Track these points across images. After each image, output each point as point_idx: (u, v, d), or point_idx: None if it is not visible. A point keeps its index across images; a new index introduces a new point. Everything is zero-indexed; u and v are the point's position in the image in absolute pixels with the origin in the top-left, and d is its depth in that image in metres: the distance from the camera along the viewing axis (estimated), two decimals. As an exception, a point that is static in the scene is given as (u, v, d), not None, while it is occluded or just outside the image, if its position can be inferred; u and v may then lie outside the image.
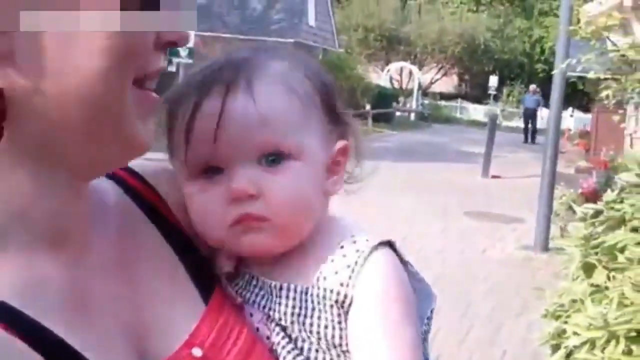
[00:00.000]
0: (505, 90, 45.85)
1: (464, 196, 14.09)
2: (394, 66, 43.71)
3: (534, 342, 4.36)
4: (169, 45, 0.80)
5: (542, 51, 49.31)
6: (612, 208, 3.80)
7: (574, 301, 3.65)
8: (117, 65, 0.72)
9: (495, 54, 49.50)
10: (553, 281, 7.45)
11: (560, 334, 3.67)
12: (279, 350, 0.96)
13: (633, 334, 3.13)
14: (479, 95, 47.21)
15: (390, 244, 1.00)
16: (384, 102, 34.39)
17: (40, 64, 0.69)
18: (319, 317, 0.95)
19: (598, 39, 6.40)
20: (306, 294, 0.96)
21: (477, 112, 45.02)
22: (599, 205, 3.89)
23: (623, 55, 6.03)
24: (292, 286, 0.97)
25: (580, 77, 16.73)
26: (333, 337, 0.95)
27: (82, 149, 0.76)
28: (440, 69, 48.50)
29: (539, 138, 28.01)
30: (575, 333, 3.36)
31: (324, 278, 0.95)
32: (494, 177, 17.45)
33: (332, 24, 38.29)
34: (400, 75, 45.24)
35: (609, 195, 3.88)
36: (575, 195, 8.86)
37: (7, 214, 0.74)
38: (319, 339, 0.95)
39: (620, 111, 9.15)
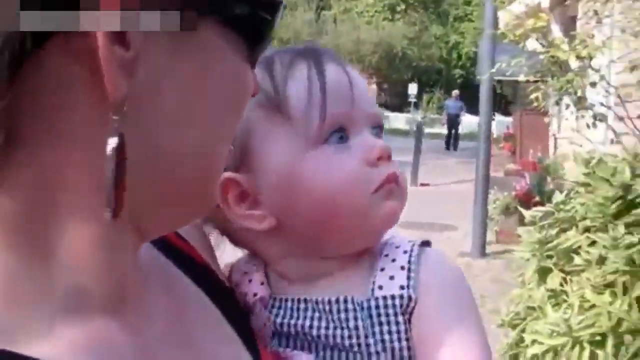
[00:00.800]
0: (425, 97, 46.40)
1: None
2: (313, 78, 43.93)
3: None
4: None
5: (460, 57, 50.17)
6: (561, 209, 3.78)
7: (530, 308, 3.60)
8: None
9: (413, 62, 50.13)
10: (491, 287, 7.48)
11: (518, 343, 3.61)
12: None
13: (597, 338, 3.09)
14: (400, 104, 47.61)
15: (429, 243, 0.98)
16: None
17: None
18: (382, 332, 0.89)
19: (518, 43, 6.47)
20: (362, 308, 0.90)
21: (398, 120, 45.41)
22: (549, 208, 3.86)
23: (553, 57, 6.08)
24: (349, 298, 0.91)
25: (499, 81, 17.04)
26: (401, 349, 0.89)
27: (160, 209, 0.67)
28: (359, 79, 48.96)
29: (461, 143, 28.91)
30: (535, 341, 3.31)
31: (380, 287, 0.91)
32: (422, 185, 17.54)
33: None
34: (319, 87, 45.52)
35: (558, 196, 3.86)
36: (509, 198, 8.94)
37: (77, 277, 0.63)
38: (384, 355, 0.89)
39: (551, 113, 9.29)
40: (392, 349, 0.89)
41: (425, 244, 0.97)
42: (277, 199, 0.92)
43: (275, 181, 0.92)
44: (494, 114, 34.03)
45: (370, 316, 0.90)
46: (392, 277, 0.92)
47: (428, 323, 0.89)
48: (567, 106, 6.92)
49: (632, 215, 3.42)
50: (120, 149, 0.57)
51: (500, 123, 30.69)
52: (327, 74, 0.93)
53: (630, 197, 3.50)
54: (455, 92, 33.89)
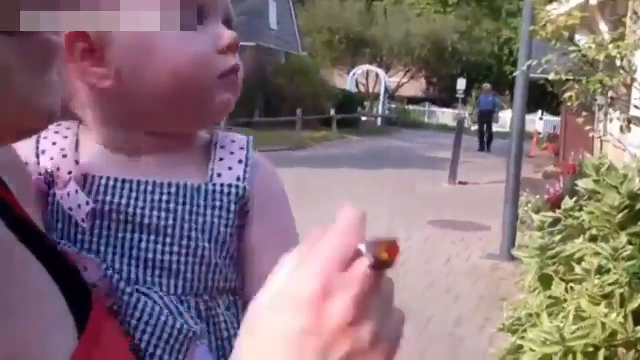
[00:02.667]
0: (473, 93, 46.01)
1: (429, 204, 14.07)
2: (360, 69, 43.70)
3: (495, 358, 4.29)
4: None
5: (511, 53, 49.65)
6: (570, 216, 3.76)
7: (530, 315, 3.59)
8: None
9: (463, 56, 49.74)
10: (516, 292, 7.43)
11: (517, 349, 3.61)
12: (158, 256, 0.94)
13: (590, 349, 3.08)
14: (447, 99, 47.35)
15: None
16: (349, 106, 34.41)
17: None
18: (212, 215, 0.95)
19: (559, 39, 6.38)
20: (198, 190, 0.96)
21: (445, 116, 45.21)
22: (557, 214, 3.85)
23: (584, 56, 6.02)
24: (181, 182, 0.96)
25: (547, 80, 16.75)
26: (225, 234, 0.96)
27: None
28: (407, 72, 48.58)
29: (498, 142, 26.81)
30: (531, 349, 3.30)
31: (218, 175, 0.98)
32: (461, 183, 17.45)
33: (294, 26, 38.31)
34: (367, 78, 45.31)
35: (567, 202, 3.84)
36: (541, 202, 8.85)
37: None
38: (209, 239, 0.95)
39: (585, 113, 9.17)
40: (218, 232, 0.95)
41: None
42: (124, 61, 0.93)
43: (127, 43, 0.92)
44: (542, 113, 33.41)
45: (205, 199, 0.95)
46: (230, 168, 0.99)
47: (258, 219, 0.98)
48: (600, 107, 6.83)
49: (638, 225, 3.40)
50: None
51: (549, 123, 30.34)
52: None
53: (638, 206, 3.47)
54: (487, 86, 30.81)
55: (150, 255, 0.93)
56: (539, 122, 30.98)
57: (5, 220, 0.74)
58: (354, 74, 43.06)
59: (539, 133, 27.22)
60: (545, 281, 3.57)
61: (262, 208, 0.99)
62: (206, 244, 0.94)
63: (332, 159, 21.97)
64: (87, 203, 0.92)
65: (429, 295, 7.83)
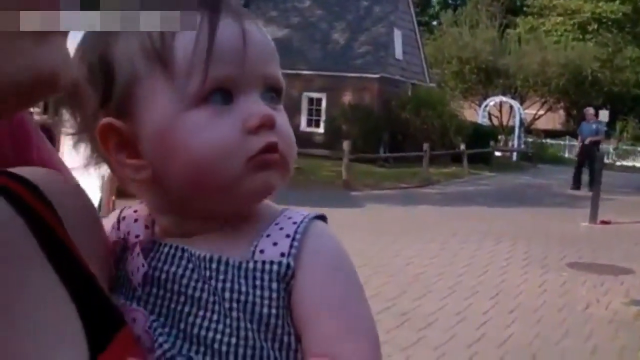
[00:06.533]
0: (618, 126, 44.99)
1: (567, 245, 13.77)
2: (492, 101, 43.29)
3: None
4: None
5: (658, 82, 48.34)
6: None
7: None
8: None
9: (604, 86, 48.63)
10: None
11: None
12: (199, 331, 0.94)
13: None
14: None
15: (324, 218, 1.02)
16: (481, 140, 34.06)
17: None
18: (254, 294, 0.93)
19: None
20: (239, 268, 0.94)
21: (587, 150, 44.29)
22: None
23: None
24: (224, 258, 0.95)
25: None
26: (269, 316, 0.93)
27: None
28: (544, 104, 47.86)
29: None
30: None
31: (261, 251, 0.95)
32: (602, 222, 17.01)
33: (421, 57, 38.39)
34: (500, 111, 44.90)
35: None
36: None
37: None
38: (251, 320, 0.93)
39: None
40: (260, 313, 0.93)
41: (320, 217, 1.01)
42: (153, 153, 0.95)
43: (152, 135, 0.94)
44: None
45: (246, 277, 0.94)
46: (275, 244, 0.96)
47: (304, 298, 0.94)
48: None
49: None
50: None
51: None
52: (221, 29, 0.94)
53: None
54: (590, 111, 27.10)
55: (195, 331, 0.94)
56: None
57: (41, 239, 0.83)
58: (486, 106, 42.71)
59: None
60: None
61: (308, 284, 0.95)
62: (249, 325, 0.93)
63: (462, 196, 21.82)
64: (143, 265, 0.97)
65: (565, 345, 7.67)
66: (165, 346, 0.92)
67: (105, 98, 0.95)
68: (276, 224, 0.98)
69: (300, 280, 0.94)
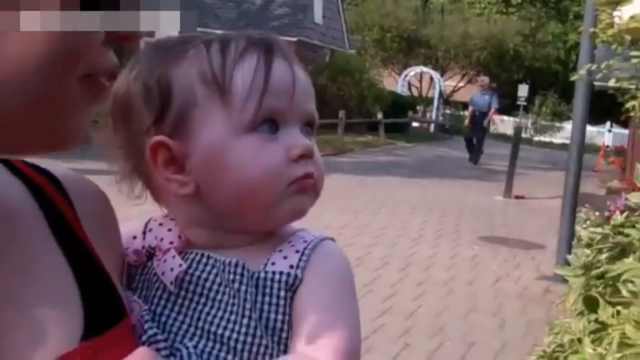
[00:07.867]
0: (537, 101, 45.64)
1: (480, 218, 13.99)
2: (413, 71, 43.54)
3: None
4: (118, 43, 0.85)
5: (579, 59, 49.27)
6: (620, 233, 3.68)
7: (572, 340, 3.52)
8: (56, 59, 0.75)
9: (526, 61, 49.37)
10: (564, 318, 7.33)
11: (557, 378, 3.54)
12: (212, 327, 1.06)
13: (634, 380, 3.00)
14: (508, 106, 47.04)
15: (333, 240, 1.16)
16: (399, 110, 34.24)
17: None
18: (263, 302, 1.06)
19: (621, 43, 6.24)
20: (252, 277, 1.07)
21: (505, 124, 44.94)
22: (606, 230, 3.77)
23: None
24: (246, 265, 1.08)
25: (618, 88, 16.62)
26: (276, 321, 1.06)
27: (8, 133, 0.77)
28: (465, 76, 48.29)
29: (563, 155, 24.82)
30: (570, 377, 3.24)
31: (272, 263, 1.09)
32: (517, 197, 17.33)
33: (342, 22, 38.29)
34: (420, 81, 45.18)
35: (618, 218, 3.76)
36: (600, 220, 8.70)
37: None
38: (263, 324, 1.05)
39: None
40: (267, 319, 1.05)
41: (331, 239, 1.16)
42: (201, 172, 1.09)
43: (203, 156, 1.08)
44: (611, 125, 33.00)
45: (256, 286, 1.06)
46: (285, 257, 1.10)
47: (306, 301, 1.06)
48: (671, 118, 6.71)
49: (696, 245, 3.32)
50: None
51: (619, 136, 30.04)
52: (274, 68, 1.09)
53: (696, 224, 3.39)
54: (484, 80, 26.77)
55: (213, 329, 1.06)
56: (608, 135, 30.65)
57: (54, 227, 0.94)
58: (406, 76, 42.92)
59: (607, 146, 26.95)
60: (590, 304, 3.49)
61: (309, 292, 1.08)
62: (261, 327, 1.06)
63: (377, 166, 21.94)
64: (180, 265, 1.09)
65: (472, 320, 7.78)
66: (150, 332, 1.04)
67: (160, 117, 1.08)
68: (289, 242, 1.12)
69: (302, 287, 1.07)
